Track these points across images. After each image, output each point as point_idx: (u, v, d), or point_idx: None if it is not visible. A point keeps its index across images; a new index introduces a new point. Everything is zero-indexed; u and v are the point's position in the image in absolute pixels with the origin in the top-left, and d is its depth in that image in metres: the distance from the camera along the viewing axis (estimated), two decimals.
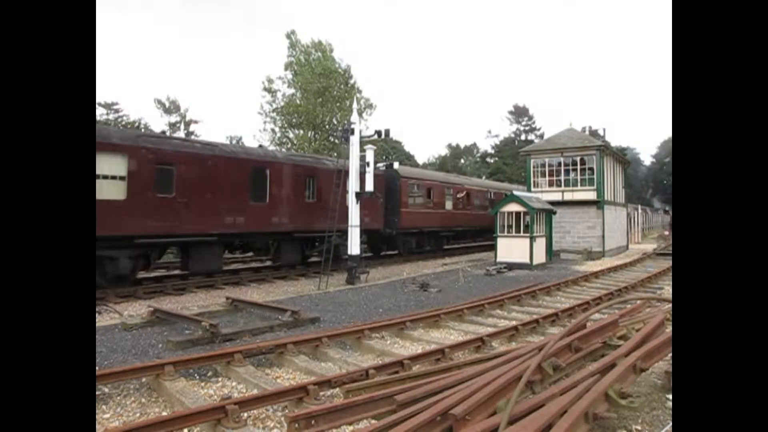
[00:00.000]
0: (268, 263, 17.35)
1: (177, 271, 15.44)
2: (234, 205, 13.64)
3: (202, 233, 12.95)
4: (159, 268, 16.37)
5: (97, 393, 5.00)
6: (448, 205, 24.21)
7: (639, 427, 4.05)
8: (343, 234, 14.44)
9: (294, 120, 36.64)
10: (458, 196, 25.02)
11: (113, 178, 11.21)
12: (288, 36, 36.77)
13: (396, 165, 17.60)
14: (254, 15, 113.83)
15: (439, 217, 23.27)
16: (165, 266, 16.79)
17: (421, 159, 68.93)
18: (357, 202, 14.08)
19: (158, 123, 52.32)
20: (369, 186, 14.02)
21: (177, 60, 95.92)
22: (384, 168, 17.94)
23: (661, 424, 4.07)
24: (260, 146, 14.80)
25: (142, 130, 42.45)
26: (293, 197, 15.56)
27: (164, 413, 4.67)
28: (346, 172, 14.24)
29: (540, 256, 18.77)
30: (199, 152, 13.12)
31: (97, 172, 10.72)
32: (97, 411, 4.69)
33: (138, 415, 4.71)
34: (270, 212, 14.77)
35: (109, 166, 11.11)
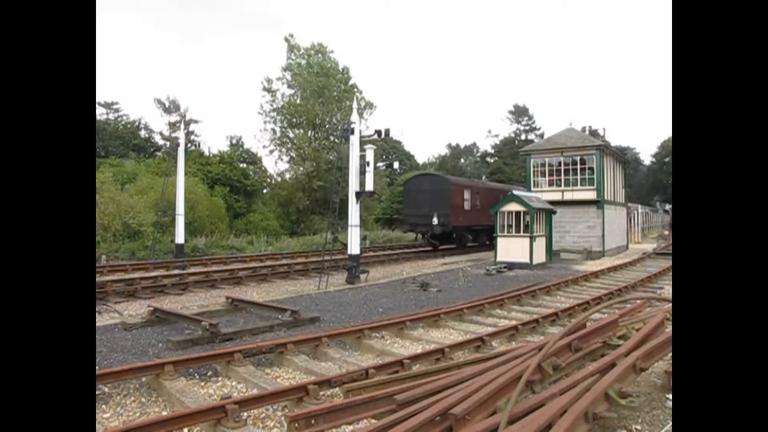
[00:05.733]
0: (268, 263, 18.91)
1: (176, 271, 15.59)
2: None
3: (483, 225, 25.65)
4: (158, 268, 16.39)
5: (97, 393, 5.00)
6: None
7: (639, 427, 4.05)
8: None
9: (294, 120, 36.64)
10: None
11: (466, 200, 25.12)
12: (286, 39, 36.78)
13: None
14: (254, 16, 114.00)
15: None
16: (165, 266, 16.81)
17: (421, 159, 68.87)
18: (357, 202, 14.08)
19: (158, 123, 52.45)
20: (369, 185, 14.02)
21: (177, 60, 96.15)
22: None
23: (661, 424, 4.07)
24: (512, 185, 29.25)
25: (142, 130, 42.51)
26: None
27: (164, 413, 4.67)
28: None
29: (540, 256, 18.77)
30: (482, 186, 29.18)
31: (464, 197, 25.13)
32: (97, 411, 4.69)
33: (138, 414, 4.71)
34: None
35: (465, 194, 25.33)
